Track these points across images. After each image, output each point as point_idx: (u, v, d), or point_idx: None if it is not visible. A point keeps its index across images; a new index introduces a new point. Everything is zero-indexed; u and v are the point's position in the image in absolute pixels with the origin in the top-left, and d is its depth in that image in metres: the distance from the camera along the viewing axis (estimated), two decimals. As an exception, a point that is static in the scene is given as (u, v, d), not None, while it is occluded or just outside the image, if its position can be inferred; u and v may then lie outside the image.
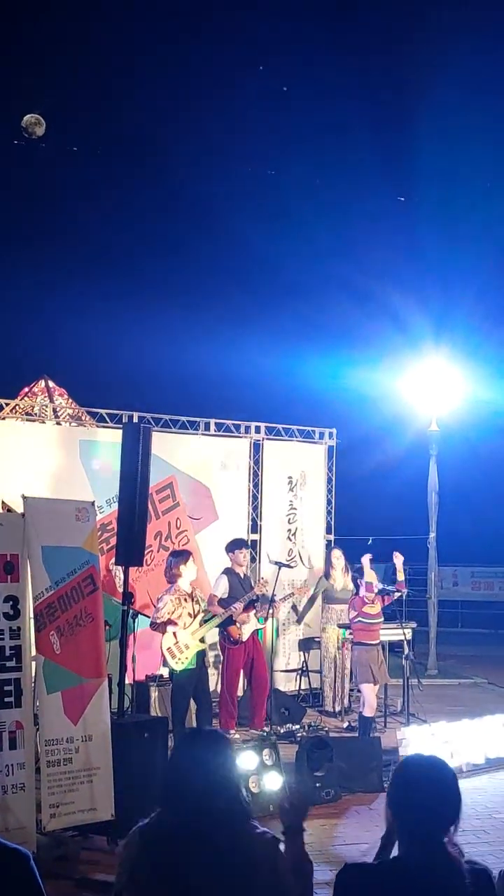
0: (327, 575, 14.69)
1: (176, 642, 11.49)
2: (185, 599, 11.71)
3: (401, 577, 12.79)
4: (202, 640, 11.67)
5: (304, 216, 26.58)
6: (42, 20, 22.41)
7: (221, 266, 30.50)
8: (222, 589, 12.85)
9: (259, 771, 9.76)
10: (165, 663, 11.75)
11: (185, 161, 24.06)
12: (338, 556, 14.64)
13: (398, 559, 12.84)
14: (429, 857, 3.64)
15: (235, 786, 3.79)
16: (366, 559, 12.72)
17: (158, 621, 11.65)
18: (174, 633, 11.49)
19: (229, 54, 23.79)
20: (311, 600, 14.92)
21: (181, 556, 12.04)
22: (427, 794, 3.73)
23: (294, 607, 15.11)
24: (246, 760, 9.67)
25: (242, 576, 13.31)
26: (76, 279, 27.73)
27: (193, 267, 30.55)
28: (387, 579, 13.19)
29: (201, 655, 11.70)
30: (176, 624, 11.52)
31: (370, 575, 12.44)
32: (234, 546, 13.37)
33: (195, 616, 11.66)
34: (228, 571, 13.11)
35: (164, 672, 13.13)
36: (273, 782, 9.73)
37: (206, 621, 11.81)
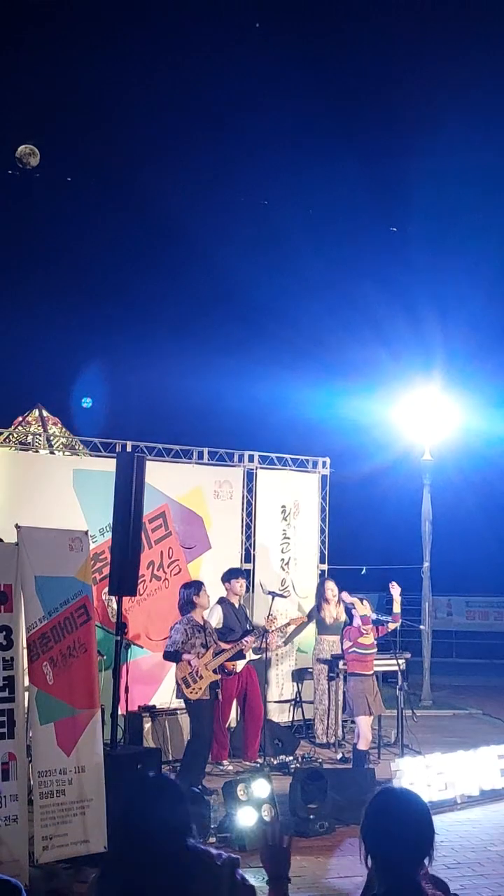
0: (319, 607, 14.63)
1: (190, 671, 11.41)
2: (198, 630, 11.65)
3: (397, 608, 12.73)
4: (215, 672, 11.58)
5: (296, 246, 26.68)
6: (37, 52, 22.53)
7: (215, 295, 30.58)
8: (216, 619, 12.81)
9: (252, 803, 9.68)
10: (180, 693, 11.66)
11: (179, 192, 24.18)
12: (331, 588, 14.58)
13: (395, 590, 12.79)
14: (401, 891, 3.62)
15: (180, 832, 3.69)
16: (346, 596, 12.74)
17: (171, 651, 11.58)
18: (189, 662, 11.41)
19: (224, 88, 23.93)
20: (300, 629, 14.86)
21: (193, 586, 11.97)
22: (399, 827, 3.71)
23: (288, 638, 15.06)
24: (239, 793, 9.62)
25: (237, 605, 13.28)
26: (70, 308, 27.80)
27: (187, 296, 30.64)
28: (381, 609, 13.15)
29: (214, 687, 11.61)
30: (189, 653, 11.44)
31: (363, 608, 12.39)
32: (230, 575, 13.35)
33: (207, 647, 11.59)
34: (223, 601, 13.08)
35: (157, 702, 13.08)
36: (266, 815, 9.67)
37: (219, 653, 11.73)
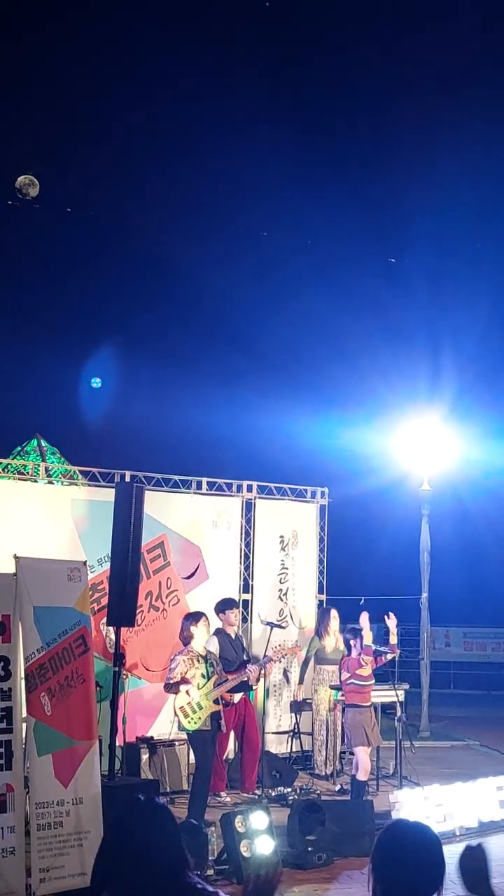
0: (320, 635, 14.61)
1: (189, 701, 11.37)
2: (198, 660, 11.60)
3: (394, 639, 12.71)
4: (216, 702, 11.53)
5: (294, 276, 26.79)
6: (38, 83, 22.69)
7: (214, 326, 30.68)
8: (213, 650, 12.77)
9: (251, 835, 9.64)
10: (180, 725, 11.63)
11: (179, 223, 24.29)
12: (333, 618, 14.55)
13: (392, 621, 12.77)
14: None
15: (176, 863, 3.63)
16: (364, 619, 12.66)
17: (171, 682, 11.55)
18: (187, 692, 11.38)
19: (223, 120, 24.09)
20: (305, 662, 14.82)
21: (193, 617, 11.94)
22: (410, 861, 3.70)
23: (285, 671, 15.03)
24: (237, 824, 9.58)
25: (233, 636, 13.24)
26: (69, 338, 27.88)
27: (185, 327, 30.73)
28: (379, 640, 13.13)
29: (216, 718, 11.55)
30: (189, 683, 11.40)
31: (369, 637, 12.36)
32: (224, 606, 13.32)
33: (209, 677, 11.55)
34: (219, 632, 13.04)
35: (155, 734, 13.05)
36: (265, 846, 9.62)
37: (220, 684, 11.69)
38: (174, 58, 22.33)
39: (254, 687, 12.96)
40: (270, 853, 9.55)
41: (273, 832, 9.87)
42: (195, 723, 11.35)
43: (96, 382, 26.30)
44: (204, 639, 11.84)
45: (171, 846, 3.64)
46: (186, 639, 11.75)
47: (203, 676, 11.50)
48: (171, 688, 11.57)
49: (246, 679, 12.37)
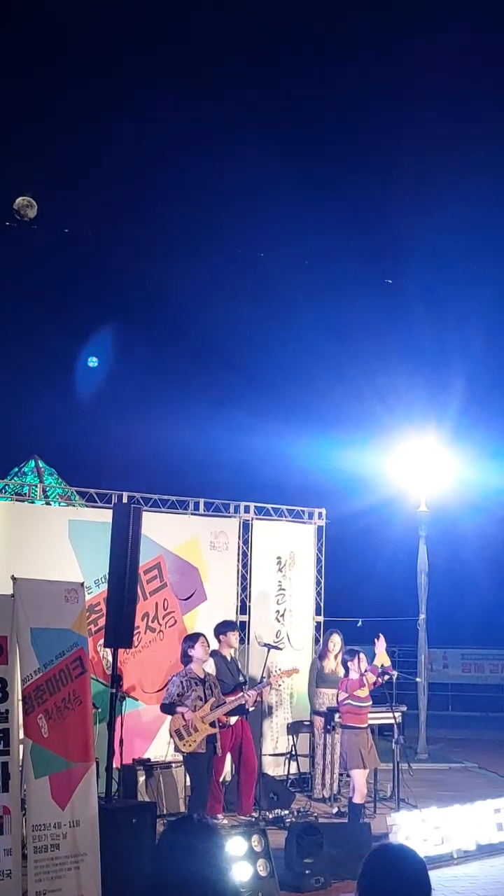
0: (321, 657, 14.58)
1: (184, 724, 11.35)
2: (196, 683, 11.59)
3: (378, 661, 12.59)
4: (212, 725, 11.50)
5: (290, 297, 26.86)
6: (35, 104, 22.79)
7: (211, 347, 30.69)
8: (209, 672, 12.75)
9: (248, 858, 9.61)
10: (175, 747, 11.60)
11: (175, 245, 24.35)
12: (335, 642, 14.51)
13: (380, 644, 12.69)
14: None
15: (220, 879, 3.69)
16: (380, 644, 12.61)
17: (167, 703, 11.53)
18: (182, 715, 11.35)
19: (219, 141, 24.18)
20: (309, 685, 14.77)
21: (190, 639, 11.95)
22: (396, 885, 3.70)
23: (284, 691, 15.00)
24: (234, 847, 9.54)
25: (229, 658, 13.22)
26: (65, 359, 27.89)
27: (183, 348, 30.75)
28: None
29: (212, 740, 11.52)
30: (185, 706, 11.38)
31: (383, 657, 12.32)
32: (225, 628, 13.31)
33: (206, 700, 11.52)
34: (215, 654, 13.01)
35: (152, 756, 13.01)
36: (262, 869, 9.58)
37: (217, 706, 11.66)
38: (170, 79, 22.46)
39: (250, 710, 12.92)
40: (267, 876, 9.52)
41: (270, 855, 9.84)
42: (190, 745, 11.32)
43: (93, 361, 26.26)
44: (202, 660, 11.83)
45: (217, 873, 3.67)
46: (184, 660, 11.75)
47: (200, 699, 11.49)
48: (167, 709, 11.55)
49: (243, 703, 12.34)
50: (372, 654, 12.66)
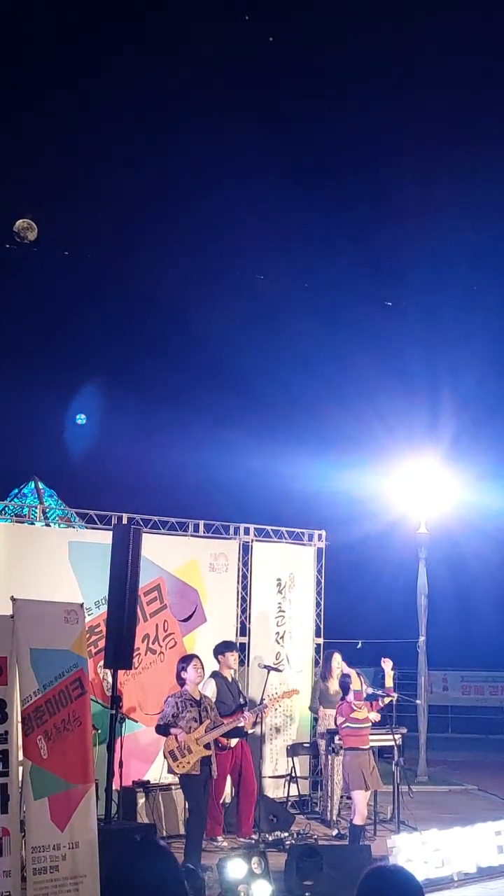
0: (324, 678, 14.56)
1: (178, 746, 11.32)
2: (191, 704, 11.57)
3: (389, 682, 12.66)
4: (207, 747, 11.48)
5: (291, 319, 26.91)
6: (35, 125, 22.89)
7: (210, 368, 30.76)
8: (210, 693, 12.74)
9: (248, 880, 9.59)
10: (169, 768, 11.59)
11: (175, 266, 24.41)
12: (338, 661, 14.51)
13: (387, 664, 12.74)
14: None
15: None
16: (344, 667, 12.67)
17: (161, 724, 11.52)
18: (176, 737, 11.34)
19: (219, 163, 24.28)
20: (313, 707, 14.73)
21: (184, 660, 11.95)
22: None
23: (283, 713, 14.97)
24: (234, 869, 9.52)
25: (230, 679, 13.21)
26: (65, 381, 27.95)
27: (182, 369, 30.84)
28: (376, 684, 13.08)
29: (207, 762, 11.49)
30: (179, 727, 11.36)
31: (356, 682, 12.32)
32: (224, 648, 13.30)
33: (201, 721, 11.50)
34: (216, 675, 13.02)
35: (151, 777, 12.98)
36: (262, 891, 9.55)
37: (213, 728, 11.64)
38: (169, 100, 22.57)
39: (248, 733, 12.90)
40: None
41: (270, 877, 9.82)
42: (183, 767, 11.30)
43: (81, 419, 26.41)
44: (196, 681, 11.81)
45: (174, 890, 3.64)
46: (182, 681, 11.76)
47: (195, 720, 11.46)
48: (162, 730, 11.55)
49: (241, 725, 12.32)
50: (371, 675, 12.66)
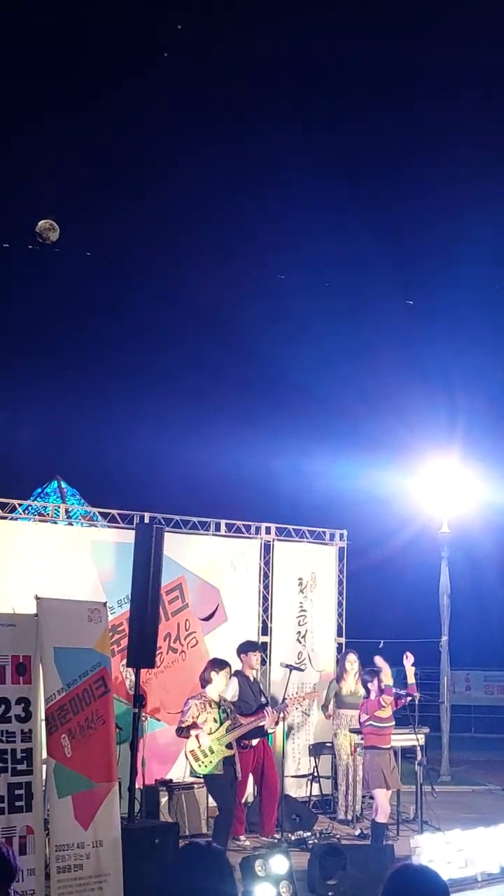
0: (339, 678, 14.54)
1: (199, 746, 11.35)
2: (211, 705, 11.59)
3: (411, 679, 12.64)
4: (229, 747, 11.49)
5: (312, 318, 26.88)
6: (57, 126, 22.93)
7: (232, 368, 30.78)
8: (232, 692, 12.74)
9: (271, 879, 9.58)
10: (192, 772, 11.60)
11: (197, 266, 24.41)
12: (352, 661, 14.48)
13: (408, 660, 12.69)
14: None
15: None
16: (380, 660, 12.63)
17: (182, 725, 11.54)
18: (197, 737, 11.36)
19: (242, 162, 24.28)
20: (325, 706, 14.72)
21: (216, 664, 11.92)
22: None
23: (305, 712, 14.96)
24: (257, 868, 9.51)
25: (252, 679, 13.21)
26: (89, 381, 28.02)
27: (204, 369, 30.85)
28: (398, 683, 13.07)
29: (230, 762, 11.50)
30: (200, 728, 11.38)
31: (389, 676, 12.32)
32: (246, 648, 13.31)
33: (221, 723, 11.51)
34: (239, 674, 13.01)
35: (174, 776, 12.99)
36: (285, 891, 9.55)
37: (233, 728, 11.65)
38: (193, 98, 22.57)
39: (270, 732, 12.90)
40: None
41: (293, 876, 9.81)
42: (205, 767, 11.33)
43: None
44: (220, 688, 11.82)
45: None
46: (204, 682, 11.75)
47: (215, 721, 11.49)
48: (182, 732, 11.57)
49: (262, 724, 12.32)
50: (395, 675, 12.63)
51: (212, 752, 11.34)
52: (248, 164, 24.27)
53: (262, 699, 13.09)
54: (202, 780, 11.96)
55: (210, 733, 11.38)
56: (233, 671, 12.95)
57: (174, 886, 3.66)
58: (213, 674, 11.72)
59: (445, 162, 23.57)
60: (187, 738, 11.47)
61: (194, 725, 11.41)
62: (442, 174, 23.81)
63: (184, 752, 11.71)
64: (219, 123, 23.28)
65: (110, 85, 22.17)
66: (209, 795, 12.14)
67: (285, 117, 23.21)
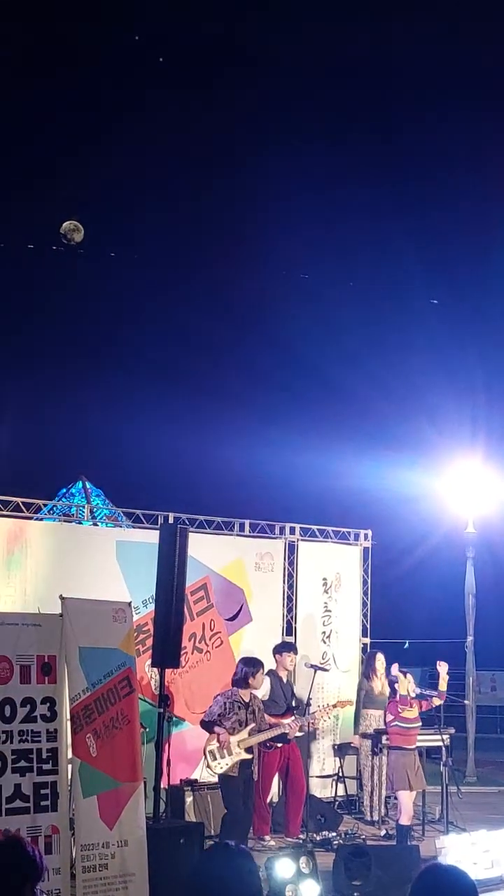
0: (367, 678, 14.50)
1: (219, 746, 11.33)
2: (240, 706, 11.55)
3: (443, 686, 12.58)
4: (248, 751, 11.46)
5: (338, 317, 26.84)
6: (83, 130, 23.00)
7: (258, 366, 30.75)
8: (264, 691, 12.72)
9: (296, 880, 9.57)
10: (208, 766, 11.60)
11: (222, 264, 24.43)
12: (381, 661, 14.45)
13: (442, 668, 12.65)
14: None
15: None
16: (394, 669, 12.62)
17: (206, 720, 11.52)
18: (218, 736, 11.33)
19: (268, 162, 24.27)
20: (357, 710, 14.68)
21: (255, 665, 11.83)
22: None
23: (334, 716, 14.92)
24: (282, 869, 9.51)
25: (285, 680, 13.21)
26: (112, 380, 28.05)
27: (229, 368, 30.82)
28: (424, 684, 13.02)
29: (247, 766, 11.48)
30: (223, 727, 11.35)
31: (404, 686, 12.27)
32: (282, 649, 13.32)
33: (245, 725, 11.48)
34: (272, 674, 13.00)
35: (199, 776, 12.99)
36: (310, 891, 9.54)
37: (257, 732, 11.61)
38: (216, 101, 22.60)
39: (291, 739, 12.84)
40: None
41: (318, 877, 9.80)
42: (221, 767, 11.30)
43: None
44: (255, 689, 11.78)
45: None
46: (238, 682, 11.68)
47: (239, 722, 11.44)
48: (206, 726, 11.55)
49: (285, 732, 12.29)
50: (420, 676, 12.59)
51: (229, 753, 11.33)
52: (278, 162, 24.26)
53: (293, 702, 13.06)
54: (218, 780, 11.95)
55: (232, 734, 11.37)
56: (266, 670, 13.00)
57: (200, 886, 3.66)
58: (250, 678, 11.63)
59: (475, 163, 23.50)
60: (210, 734, 11.47)
61: (218, 723, 11.40)
62: (472, 174, 23.73)
63: (203, 750, 11.71)
64: (247, 122, 23.29)
65: (135, 85, 22.22)
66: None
67: (316, 116, 23.22)
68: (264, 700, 12.48)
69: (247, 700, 11.65)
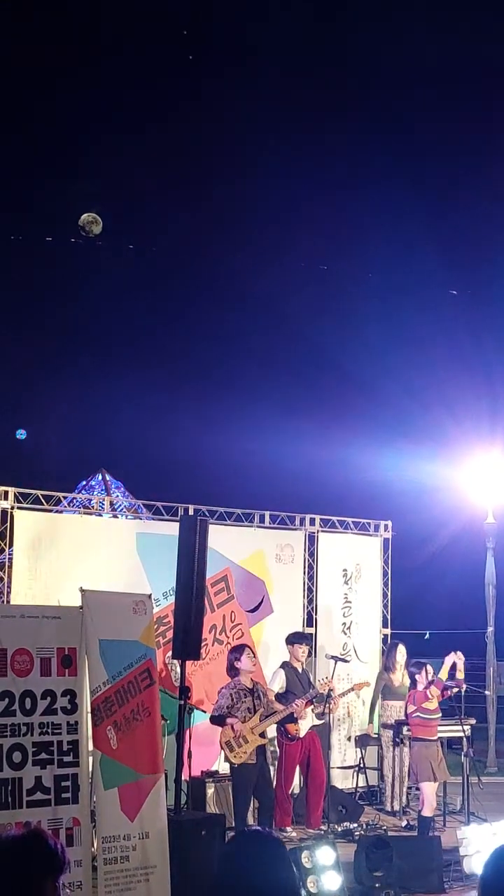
0: (388, 669, 14.49)
1: (234, 736, 11.40)
2: (245, 694, 11.64)
3: (460, 675, 12.58)
4: (262, 735, 11.55)
5: (356, 308, 26.80)
6: (101, 123, 23.00)
7: (277, 358, 30.74)
8: (279, 683, 12.76)
9: (317, 871, 9.58)
10: (225, 758, 11.66)
11: (240, 256, 24.41)
12: (402, 653, 14.44)
13: (459, 659, 12.63)
14: None
15: (291, 892, 3.66)
16: (459, 660, 12.58)
17: (216, 715, 11.60)
18: (232, 727, 11.41)
19: (285, 154, 24.22)
20: (373, 701, 14.67)
21: (236, 650, 12.08)
22: None
23: (349, 702, 14.93)
24: (304, 859, 9.52)
25: (300, 670, 13.21)
26: (132, 374, 28.08)
27: (249, 360, 30.82)
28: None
29: (262, 751, 11.56)
30: (235, 717, 11.43)
31: (461, 672, 12.30)
32: (295, 639, 13.32)
33: (255, 711, 11.57)
34: (286, 665, 13.03)
35: (220, 768, 13.02)
36: (332, 882, 9.55)
37: (267, 717, 11.71)
38: (236, 90, 22.55)
39: (317, 721, 12.89)
40: (337, 890, 9.49)
41: (340, 868, 9.80)
42: (240, 756, 11.39)
43: (21, 434, 26.74)
44: (249, 671, 11.88)
45: (289, 884, 3.64)
46: (231, 672, 11.84)
47: (249, 710, 11.53)
48: (217, 721, 11.63)
49: (292, 712, 12.35)
50: (439, 666, 12.57)
51: (246, 741, 11.41)
52: (298, 154, 24.21)
53: (312, 691, 13.09)
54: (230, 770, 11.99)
55: (244, 722, 11.45)
56: (280, 662, 13.02)
57: (233, 873, 3.62)
58: (237, 663, 11.80)
59: (496, 155, 23.39)
60: (222, 726, 11.53)
61: (229, 715, 11.49)
62: (492, 167, 23.62)
63: (219, 743, 11.76)
64: (268, 112, 23.24)
65: (154, 76, 22.20)
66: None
67: (338, 107, 23.15)
68: (281, 693, 12.51)
69: (250, 686, 11.79)
